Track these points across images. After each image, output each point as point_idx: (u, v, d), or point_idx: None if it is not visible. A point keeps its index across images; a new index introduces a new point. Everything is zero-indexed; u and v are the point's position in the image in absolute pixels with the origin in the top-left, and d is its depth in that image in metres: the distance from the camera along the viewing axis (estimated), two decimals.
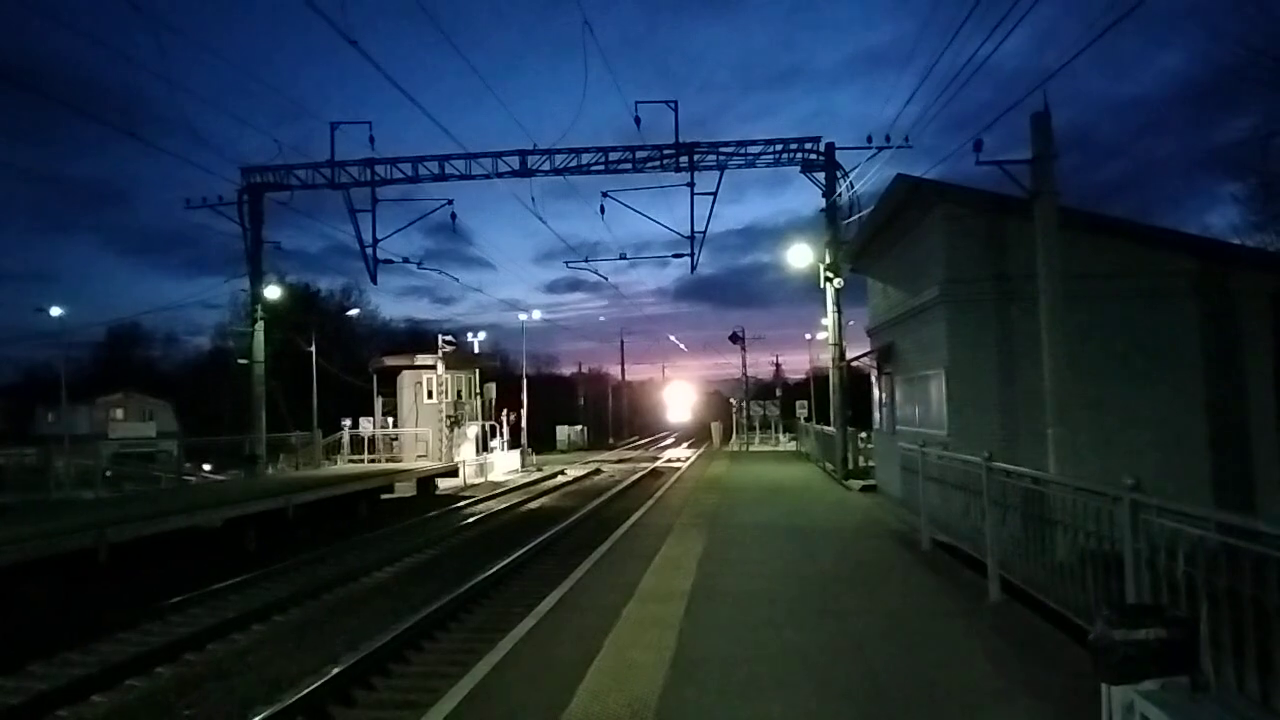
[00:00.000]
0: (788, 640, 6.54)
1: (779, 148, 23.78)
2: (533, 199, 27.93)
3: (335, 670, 7.86)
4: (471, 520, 20.32)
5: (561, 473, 34.28)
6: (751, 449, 39.01)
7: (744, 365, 52.09)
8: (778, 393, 55.04)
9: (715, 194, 24.50)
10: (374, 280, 27.20)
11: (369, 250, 25.91)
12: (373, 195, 25.33)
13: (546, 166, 24.38)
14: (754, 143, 24.16)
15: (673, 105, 24.09)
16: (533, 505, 23.94)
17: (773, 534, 12.13)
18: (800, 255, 23.52)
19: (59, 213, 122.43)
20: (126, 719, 7.50)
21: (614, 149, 24.39)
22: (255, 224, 25.54)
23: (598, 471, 35.20)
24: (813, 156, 23.26)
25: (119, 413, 52.99)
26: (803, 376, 66.03)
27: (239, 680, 8.38)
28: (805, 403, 41.74)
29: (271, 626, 10.42)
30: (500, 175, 24.46)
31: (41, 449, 22.95)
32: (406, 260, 27.74)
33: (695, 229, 25.35)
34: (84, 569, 11.81)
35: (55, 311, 39.19)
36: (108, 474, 23.65)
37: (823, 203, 22.88)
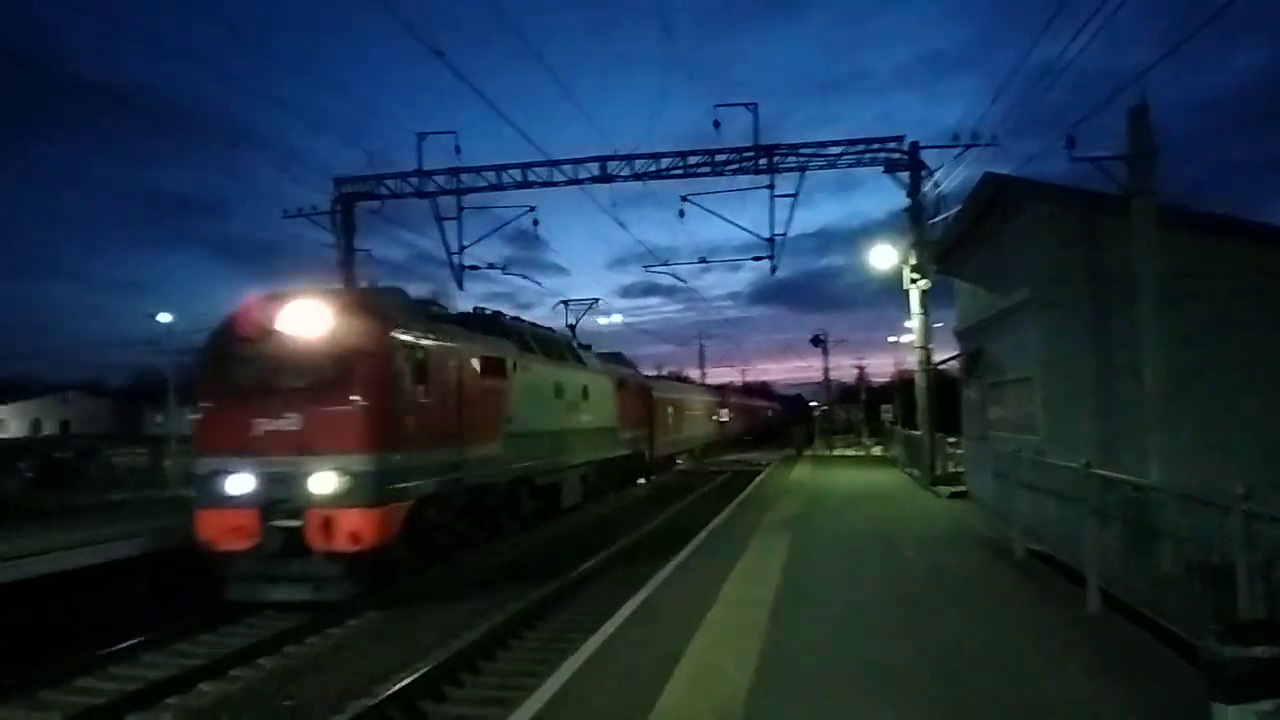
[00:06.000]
0: (874, 651, 6.44)
1: (860, 148, 23.42)
2: (613, 204, 28.07)
3: (426, 668, 8.05)
4: (550, 519, 20.52)
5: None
6: (835, 454, 38.47)
7: (826, 369, 51.42)
8: (861, 396, 54.12)
9: (796, 196, 24.29)
10: (460, 286, 27.64)
11: (455, 257, 26.53)
12: (458, 203, 25.96)
13: (626, 172, 24.55)
14: (835, 143, 23.85)
15: (752, 108, 23.99)
16: (614, 507, 24.07)
17: (858, 541, 11.95)
18: (883, 257, 23.11)
19: (164, 225, 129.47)
20: (231, 708, 7.84)
21: (693, 153, 24.39)
22: (347, 233, 26.41)
23: (678, 474, 35.20)
24: (896, 156, 22.85)
25: None
26: (887, 380, 64.82)
27: (337, 673, 8.63)
28: (889, 407, 40.95)
29: (366, 621, 10.69)
30: (581, 182, 24.74)
31: (152, 449, 24.17)
32: (491, 266, 28.27)
33: (776, 231, 25.18)
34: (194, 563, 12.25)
35: (163, 318, 41.22)
36: None
37: (904, 203, 22.45)
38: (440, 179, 25.38)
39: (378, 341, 11.12)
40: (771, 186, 24.29)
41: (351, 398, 10.60)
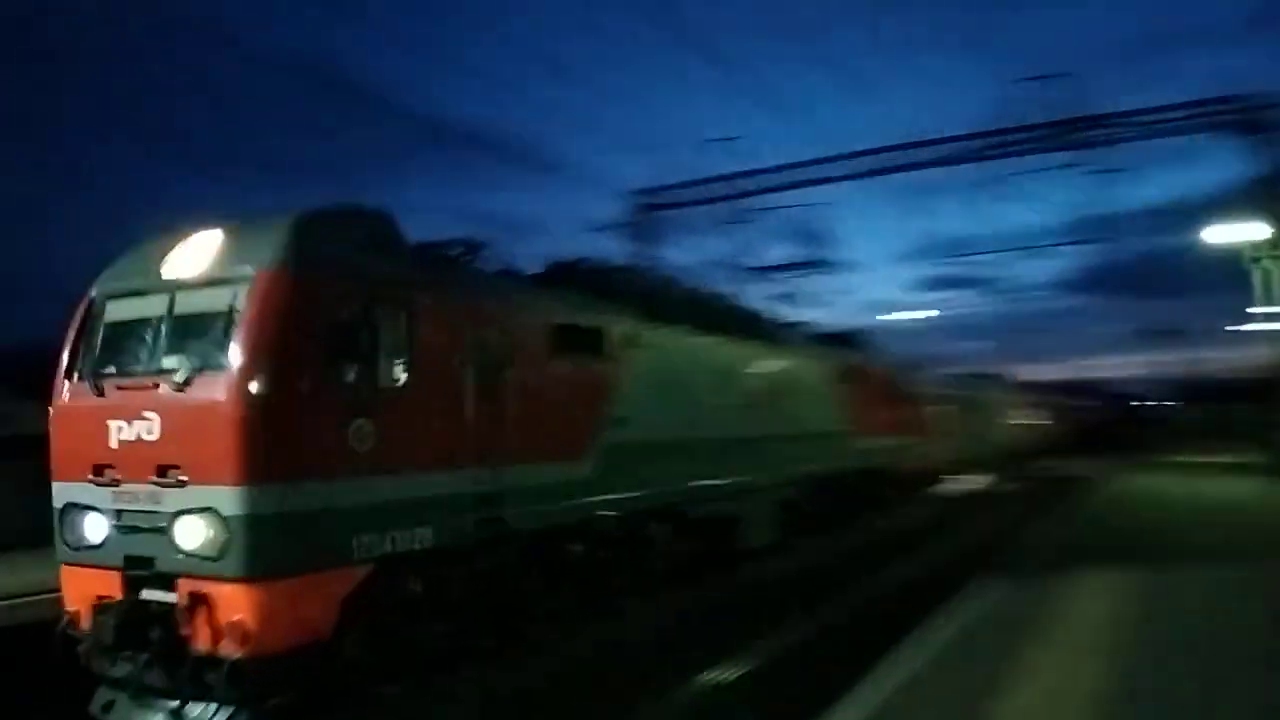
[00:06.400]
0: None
1: (1198, 110, 20.44)
2: (905, 193, 26.91)
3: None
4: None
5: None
6: (1184, 460, 33.70)
7: (1171, 364, 45.32)
8: (1218, 394, 47.09)
9: (1116, 171, 21.78)
10: (747, 289, 27.78)
11: (742, 259, 26.94)
12: (744, 207, 26.32)
13: (920, 159, 23.34)
14: (1164, 109, 21.03)
15: (1058, 79, 21.80)
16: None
17: (1223, 566, 10.21)
18: (1235, 234, 20.17)
19: (494, 245, 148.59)
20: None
21: (993, 133, 22.58)
22: (645, 241, 27.69)
23: (997, 480, 32.84)
24: (1241, 118, 19.70)
25: None
26: (1248, 375, 55.76)
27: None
28: (1257, 407, 35.03)
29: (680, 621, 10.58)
30: (868, 175, 23.96)
31: None
32: (776, 267, 28.27)
33: (1091, 212, 22.74)
34: None
35: None
36: None
37: (1257, 171, 19.36)
38: (727, 184, 25.88)
39: (289, 287, 6.22)
40: (1085, 163, 21.97)
41: (230, 380, 5.93)
